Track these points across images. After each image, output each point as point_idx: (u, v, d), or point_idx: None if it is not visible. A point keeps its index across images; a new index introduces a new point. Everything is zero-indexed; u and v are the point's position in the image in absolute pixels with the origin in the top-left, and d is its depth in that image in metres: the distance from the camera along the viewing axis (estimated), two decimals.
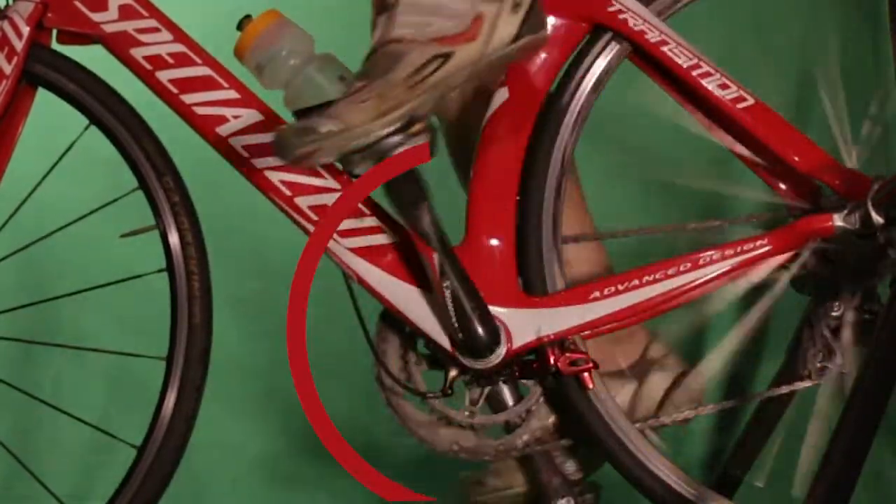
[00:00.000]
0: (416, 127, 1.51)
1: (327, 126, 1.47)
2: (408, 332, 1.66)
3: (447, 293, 1.59)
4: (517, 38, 1.55)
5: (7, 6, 1.67)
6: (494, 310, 1.62)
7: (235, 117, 1.64)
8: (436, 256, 1.58)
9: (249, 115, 1.64)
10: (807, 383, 1.64)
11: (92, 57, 1.67)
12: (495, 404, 1.67)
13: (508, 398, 1.67)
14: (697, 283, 1.63)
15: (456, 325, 1.60)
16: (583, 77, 1.65)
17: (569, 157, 1.65)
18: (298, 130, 1.48)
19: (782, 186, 1.67)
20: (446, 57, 1.51)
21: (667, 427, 1.68)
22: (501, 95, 1.65)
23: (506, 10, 1.54)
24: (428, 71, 1.50)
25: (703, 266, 1.63)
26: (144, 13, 1.65)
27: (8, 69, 1.65)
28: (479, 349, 1.61)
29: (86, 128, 1.69)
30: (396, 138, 1.51)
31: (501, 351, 1.62)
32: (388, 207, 1.65)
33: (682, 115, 1.68)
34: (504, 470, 1.72)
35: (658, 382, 1.67)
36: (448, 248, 1.59)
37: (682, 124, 1.69)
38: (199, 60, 1.65)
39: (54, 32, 1.68)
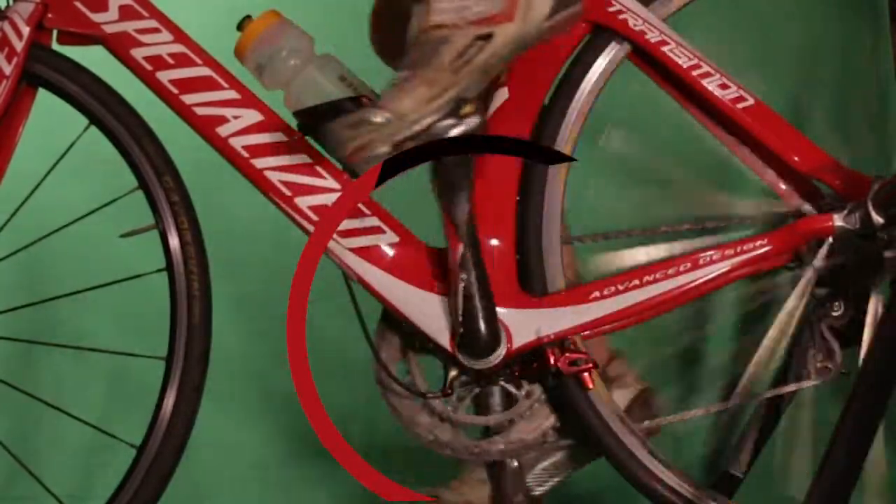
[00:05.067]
0: (467, 109, 1.51)
1: (379, 116, 1.48)
2: (408, 332, 1.66)
3: (461, 286, 1.58)
4: (553, 13, 1.56)
5: (7, 7, 1.67)
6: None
7: (235, 117, 1.64)
8: (460, 247, 1.57)
9: (249, 116, 1.64)
10: (807, 383, 1.65)
11: (92, 57, 1.67)
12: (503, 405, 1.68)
13: (497, 403, 1.67)
14: (697, 283, 1.63)
15: (460, 320, 1.59)
16: (583, 77, 1.65)
17: None
18: (351, 123, 1.48)
19: (782, 186, 1.67)
20: (487, 38, 1.52)
21: (666, 427, 1.68)
22: (501, 95, 1.65)
23: None
24: (471, 53, 1.52)
25: (703, 266, 1.63)
26: (145, 14, 1.65)
27: (8, 69, 1.65)
28: (479, 348, 1.61)
29: (86, 128, 1.69)
30: (449, 121, 1.50)
31: (501, 351, 1.62)
32: (388, 207, 1.65)
33: (682, 115, 1.68)
34: (460, 485, 1.72)
35: (618, 399, 1.67)
36: (476, 240, 1.59)
37: (682, 124, 1.69)
38: (199, 61, 1.65)
39: (55, 33, 1.68)
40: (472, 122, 1.51)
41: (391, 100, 1.49)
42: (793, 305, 1.63)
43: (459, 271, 1.58)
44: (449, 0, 1.53)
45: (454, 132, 1.50)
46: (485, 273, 1.60)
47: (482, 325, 1.60)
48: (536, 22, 1.55)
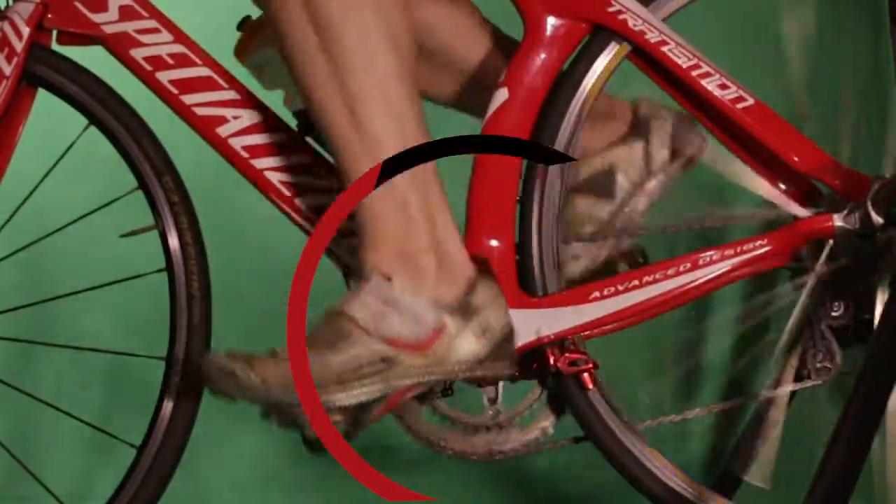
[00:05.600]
0: (334, 416, 1.48)
1: (249, 379, 1.44)
2: None
3: None
4: (476, 362, 1.52)
5: (7, 7, 1.67)
6: None
7: (235, 118, 1.64)
8: None
9: (249, 116, 1.64)
10: (807, 383, 1.65)
11: (92, 57, 1.67)
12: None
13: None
14: (697, 283, 1.63)
15: None
16: (582, 77, 1.65)
17: None
18: (223, 370, 1.45)
19: (782, 186, 1.67)
20: (390, 362, 1.48)
21: (666, 427, 1.68)
22: (501, 95, 1.65)
23: (471, 331, 1.51)
24: (366, 371, 1.47)
25: (703, 266, 1.63)
26: (144, 14, 1.65)
27: (8, 70, 1.65)
28: None
29: (85, 128, 1.69)
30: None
31: None
32: None
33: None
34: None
35: (661, 134, 1.65)
36: None
37: None
38: (199, 61, 1.65)
39: (54, 33, 1.67)
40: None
41: (268, 366, 1.45)
42: (803, 308, 1.63)
43: None
44: (377, 299, 1.48)
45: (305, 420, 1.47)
46: None
47: None
48: (452, 364, 1.51)
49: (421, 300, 1.50)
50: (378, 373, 1.47)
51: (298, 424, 1.49)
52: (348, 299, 1.50)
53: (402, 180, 1.50)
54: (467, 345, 1.52)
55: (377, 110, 1.49)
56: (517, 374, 1.58)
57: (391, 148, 1.50)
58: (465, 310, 1.52)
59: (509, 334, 1.55)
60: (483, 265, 1.56)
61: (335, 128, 1.51)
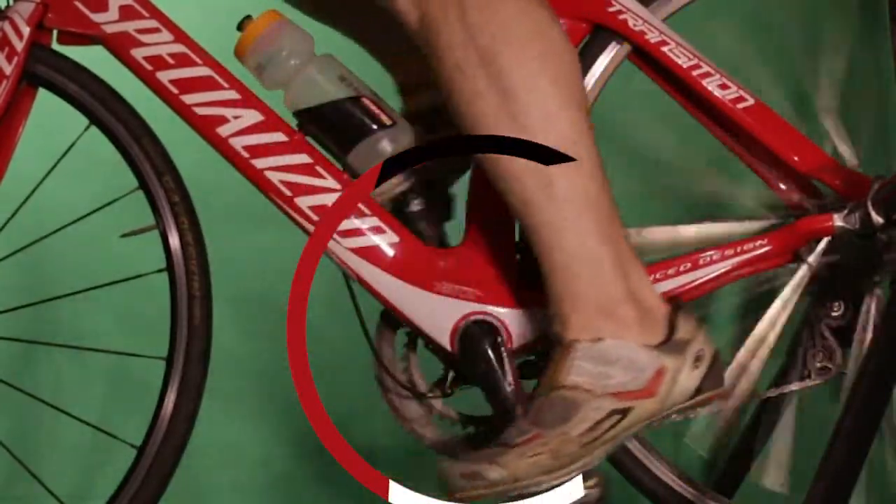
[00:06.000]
0: (589, 482, 1.48)
1: (495, 474, 1.45)
2: (408, 332, 1.66)
3: None
4: (697, 392, 1.52)
5: (7, 7, 1.67)
6: (494, 310, 1.62)
7: (236, 118, 1.64)
8: None
9: (250, 116, 1.64)
10: (807, 383, 1.65)
11: (92, 57, 1.67)
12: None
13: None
14: (697, 283, 1.63)
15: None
16: (582, 77, 1.65)
17: None
18: (465, 473, 1.46)
19: (782, 186, 1.67)
20: (624, 413, 1.48)
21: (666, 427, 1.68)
22: None
23: (687, 364, 1.51)
24: (604, 427, 1.47)
25: (703, 266, 1.63)
26: (145, 14, 1.65)
27: (8, 69, 1.65)
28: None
29: (86, 128, 1.69)
30: (567, 489, 1.47)
31: None
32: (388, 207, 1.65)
33: (682, 116, 1.68)
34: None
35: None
36: None
37: (682, 124, 1.69)
38: (199, 61, 1.65)
39: (55, 33, 1.67)
40: (591, 495, 1.48)
41: (512, 459, 1.45)
42: (786, 298, 1.63)
43: None
44: (591, 363, 1.48)
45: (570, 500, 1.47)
46: None
47: None
48: (678, 399, 1.51)
49: (635, 347, 1.49)
50: (614, 426, 1.47)
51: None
52: (563, 372, 1.48)
53: (592, 237, 1.50)
54: (687, 378, 1.51)
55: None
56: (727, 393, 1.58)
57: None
58: (674, 347, 1.51)
59: (717, 356, 1.54)
60: (674, 301, 1.55)
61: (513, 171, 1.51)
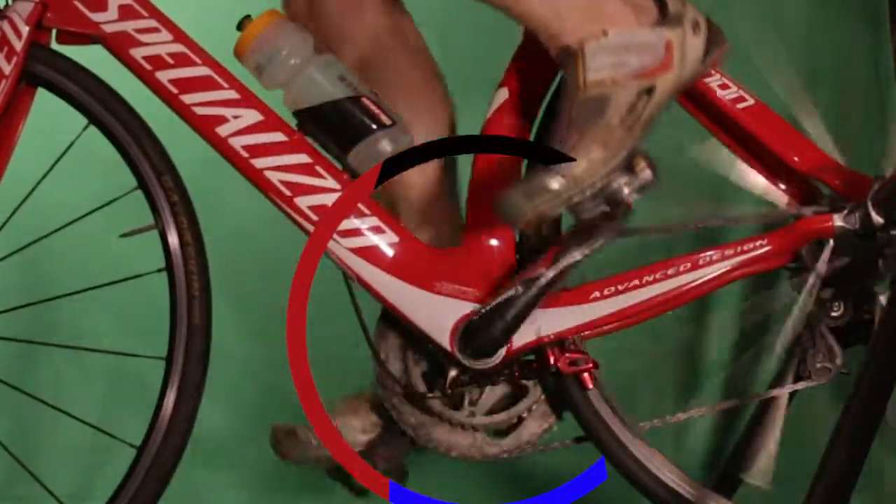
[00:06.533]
0: (640, 164, 1.52)
1: (555, 183, 1.48)
2: (408, 332, 1.66)
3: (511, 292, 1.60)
4: (705, 54, 1.57)
5: (6, 6, 1.67)
6: None
7: (235, 117, 1.64)
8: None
9: (249, 116, 1.64)
10: (807, 383, 1.65)
11: (92, 57, 1.67)
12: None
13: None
14: (697, 283, 1.63)
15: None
16: None
17: None
18: (527, 193, 1.49)
19: (782, 186, 1.67)
20: (650, 91, 1.52)
21: (666, 427, 1.68)
22: (502, 95, 1.65)
23: (688, 32, 1.56)
24: (639, 109, 1.52)
25: (703, 266, 1.63)
26: (144, 13, 1.65)
27: (8, 69, 1.65)
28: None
29: (85, 128, 1.69)
30: (624, 178, 1.51)
31: (501, 351, 1.62)
32: (388, 207, 1.65)
33: (681, 115, 1.68)
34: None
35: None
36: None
37: (681, 124, 1.69)
38: (198, 61, 1.65)
39: (54, 32, 1.67)
40: (645, 175, 1.51)
41: (565, 165, 1.49)
42: (802, 309, 1.63)
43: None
44: (605, 55, 1.52)
45: (629, 189, 1.51)
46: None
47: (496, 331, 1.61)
48: (692, 66, 1.56)
49: (637, 30, 1.54)
50: (647, 105, 1.52)
51: (621, 200, 1.52)
52: (580, 76, 1.53)
53: None
54: (693, 45, 1.56)
55: None
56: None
57: None
58: (672, 20, 1.56)
59: (709, 20, 1.59)
60: None
61: None
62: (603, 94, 1.51)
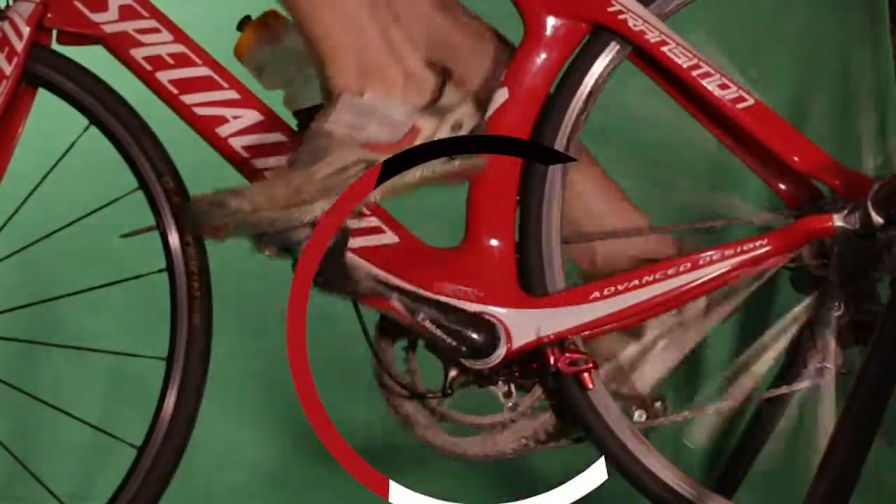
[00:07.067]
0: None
1: (237, 204, 1.49)
2: (408, 332, 1.66)
3: None
4: (451, 159, 1.56)
5: (7, 7, 1.67)
6: (494, 310, 1.62)
7: (235, 118, 1.64)
8: None
9: (249, 116, 1.64)
10: (807, 383, 1.65)
11: (92, 57, 1.67)
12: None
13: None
14: (697, 283, 1.63)
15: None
16: (582, 77, 1.65)
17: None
18: (210, 203, 1.50)
19: (782, 186, 1.67)
20: (370, 164, 1.52)
21: (666, 427, 1.68)
22: (501, 95, 1.65)
23: (444, 129, 1.56)
24: (349, 174, 1.52)
25: (703, 266, 1.63)
26: (144, 14, 1.65)
27: (8, 69, 1.65)
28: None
29: (86, 128, 1.69)
30: (306, 232, 1.52)
31: (501, 351, 1.62)
32: (387, 208, 1.65)
33: (681, 115, 1.68)
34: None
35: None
36: None
37: (682, 124, 1.69)
38: (199, 61, 1.65)
39: (54, 33, 1.68)
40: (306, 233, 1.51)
41: (255, 191, 1.50)
42: (799, 314, 1.63)
43: None
44: (349, 114, 1.53)
45: (296, 238, 1.52)
46: None
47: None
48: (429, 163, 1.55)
49: (394, 104, 1.54)
50: (358, 174, 1.52)
51: (292, 247, 1.53)
52: (323, 119, 1.54)
53: (359, 13, 1.54)
54: None
55: None
56: None
57: None
58: (435, 112, 1.56)
59: (478, 130, 1.59)
60: (443, 72, 1.59)
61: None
62: (326, 146, 1.52)
